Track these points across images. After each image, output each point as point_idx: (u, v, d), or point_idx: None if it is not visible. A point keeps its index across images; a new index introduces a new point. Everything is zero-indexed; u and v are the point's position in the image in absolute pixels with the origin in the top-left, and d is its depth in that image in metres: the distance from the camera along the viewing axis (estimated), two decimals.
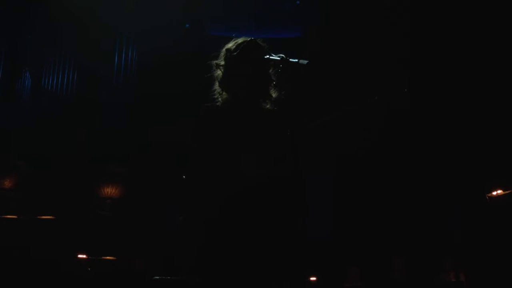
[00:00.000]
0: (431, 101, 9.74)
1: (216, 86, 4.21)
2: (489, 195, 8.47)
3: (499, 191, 8.40)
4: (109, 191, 11.39)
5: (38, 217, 9.11)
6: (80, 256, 9.04)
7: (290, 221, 3.85)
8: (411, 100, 9.61)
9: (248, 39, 4.20)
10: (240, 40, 4.21)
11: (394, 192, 10.30)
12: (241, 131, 3.93)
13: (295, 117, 3.72)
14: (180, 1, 11.57)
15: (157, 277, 4.11)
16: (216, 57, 4.27)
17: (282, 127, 3.94)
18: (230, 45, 4.20)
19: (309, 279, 9.43)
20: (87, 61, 12.26)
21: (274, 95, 4.14)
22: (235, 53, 4.14)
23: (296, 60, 3.63)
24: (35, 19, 12.44)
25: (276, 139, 3.91)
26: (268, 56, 3.80)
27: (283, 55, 3.70)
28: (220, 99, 4.16)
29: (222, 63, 4.18)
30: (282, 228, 3.85)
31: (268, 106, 4.13)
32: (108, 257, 9.27)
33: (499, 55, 9.47)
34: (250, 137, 3.90)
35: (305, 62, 3.59)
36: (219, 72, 4.21)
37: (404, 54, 9.94)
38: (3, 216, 9.26)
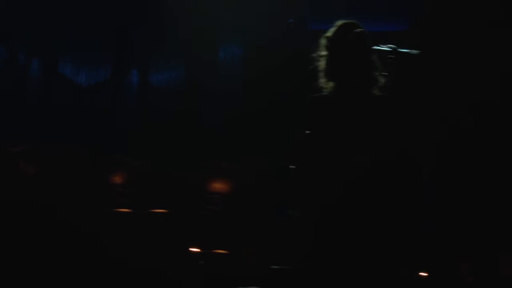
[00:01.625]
0: None
1: (321, 78, 4.21)
2: None
3: None
4: (219, 186, 11.49)
5: (151, 210, 9.31)
6: (192, 249, 9.19)
7: (408, 214, 3.82)
8: None
9: (343, 22, 4.19)
10: (337, 25, 4.20)
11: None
12: (353, 120, 3.92)
13: (407, 104, 3.69)
14: None
15: (275, 267, 4.15)
16: (317, 49, 4.28)
17: (395, 113, 3.92)
18: (329, 33, 4.19)
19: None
20: (193, 58, 12.44)
21: (381, 81, 4.11)
22: (334, 39, 4.14)
23: (407, 50, 3.60)
24: (142, 15, 12.69)
25: (390, 128, 3.88)
26: (377, 47, 3.79)
27: (393, 46, 3.68)
28: (326, 90, 4.16)
29: (324, 52, 4.17)
30: (400, 220, 3.82)
31: (376, 92, 4.10)
32: (220, 251, 9.39)
33: None
34: (363, 129, 3.88)
35: (415, 52, 3.57)
36: (322, 63, 4.20)
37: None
38: (117, 210, 9.50)
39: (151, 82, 12.70)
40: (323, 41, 4.24)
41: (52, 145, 11.43)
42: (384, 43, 3.84)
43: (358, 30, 4.13)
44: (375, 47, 3.84)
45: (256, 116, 11.11)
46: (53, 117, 12.46)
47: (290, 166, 3.90)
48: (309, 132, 3.93)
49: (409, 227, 3.83)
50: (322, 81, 4.20)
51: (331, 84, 4.13)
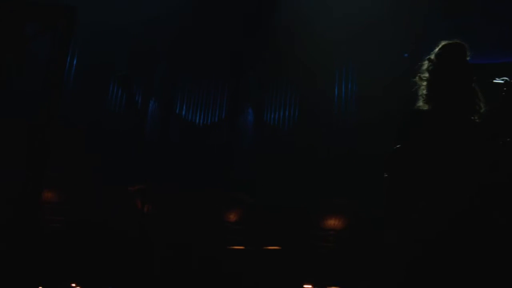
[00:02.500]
0: None
1: (420, 102, 4.18)
2: None
3: None
4: (333, 223, 11.47)
5: (265, 247, 9.36)
6: (305, 286, 9.19)
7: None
8: None
9: (447, 43, 4.15)
10: (440, 47, 4.16)
11: None
12: (450, 146, 3.87)
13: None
14: (398, 33, 11.56)
15: None
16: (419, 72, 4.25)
17: (492, 136, 3.86)
18: (432, 55, 4.15)
19: None
20: (308, 95, 12.55)
21: (482, 108, 4.05)
22: (437, 61, 4.10)
23: None
24: (257, 56, 12.90)
25: (488, 155, 3.83)
26: (492, 80, 3.76)
27: (507, 78, 3.65)
28: (424, 110, 4.13)
29: (426, 75, 4.14)
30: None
31: (476, 119, 4.05)
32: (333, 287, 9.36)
33: None
34: (461, 158, 3.83)
35: None
36: (423, 86, 4.17)
37: None
38: (231, 247, 9.60)
39: (266, 120, 12.85)
40: (425, 63, 4.21)
41: (168, 183, 11.66)
42: (499, 76, 3.80)
43: (461, 50, 4.10)
44: (490, 80, 3.81)
45: (371, 153, 11.09)
46: (170, 156, 12.78)
47: (385, 175, 3.88)
48: (400, 146, 3.91)
49: None
50: (420, 104, 4.16)
51: (428, 106, 4.09)
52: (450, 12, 11.21)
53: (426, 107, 4.11)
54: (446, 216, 3.66)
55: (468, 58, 4.10)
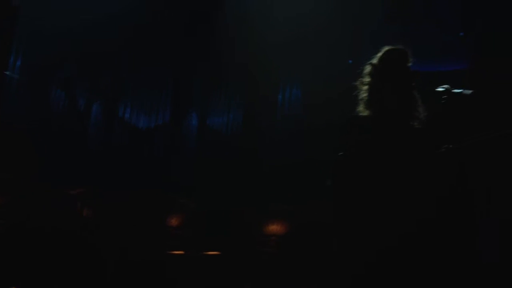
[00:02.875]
0: None
1: (360, 107, 4.16)
2: None
3: None
4: (274, 228, 11.46)
5: (204, 253, 9.33)
6: None
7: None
8: None
9: (389, 48, 4.14)
10: (382, 51, 4.15)
11: None
12: (391, 153, 3.87)
13: (449, 136, 3.65)
14: (342, 39, 11.60)
15: None
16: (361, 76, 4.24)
17: (433, 142, 3.87)
18: (374, 60, 4.14)
19: None
20: (251, 100, 12.55)
21: (422, 114, 4.06)
22: (378, 66, 4.09)
23: (460, 90, 3.57)
24: (202, 62, 12.85)
25: (430, 163, 3.83)
26: (432, 87, 3.76)
27: (447, 86, 3.65)
28: (363, 116, 4.12)
29: (367, 79, 4.13)
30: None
31: (416, 124, 4.05)
32: None
33: None
34: (401, 166, 3.83)
35: (469, 92, 3.54)
36: (363, 90, 4.16)
37: None
38: (171, 252, 9.55)
39: (209, 124, 12.81)
40: (367, 68, 4.19)
41: (110, 187, 11.56)
42: (440, 83, 3.81)
43: (403, 56, 4.10)
44: (432, 89, 3.81)
45: (315, 158, 11.11)
46: (113, 160, 12.68)
47: (328, 184, 3.87)
48: (342, 154, 3.89)
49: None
50: (360, 109, 4.15)
51: (368, 111, 4.08)
52: (395, 19, 11.30)
53: (366, 112, 4.09)
54: (391, 227, 3.66)
55: (409, 64, 4.10)
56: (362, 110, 4.14)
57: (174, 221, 11.56)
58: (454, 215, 3.62)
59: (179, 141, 12.83)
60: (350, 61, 11.89)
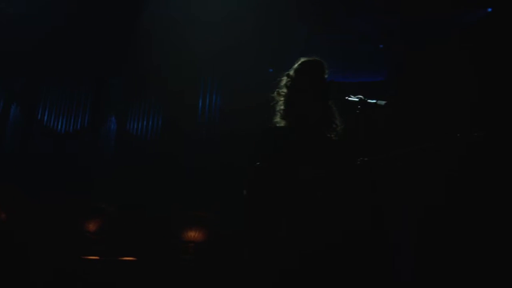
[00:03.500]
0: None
1: (277, 117, 4.19)
2: None
3: None
4: (193, 235, 11.41)
5: (120, 258, 9.24)
6: None
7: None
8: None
9: (305, 60, 4.19)
10: (298, 63, 4.19)
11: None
12: (304, 150, 3.91)
13: (365, 150, 3.69)
14: (264, 47, 11.63)
15: None
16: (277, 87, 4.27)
17: (349, 154, 3.91)
18: (290, 71, 4.18)
19: None
20: (171, 105, 12.49)
21: (339, 125, 4.11)
22: (295, 77, 4.13)
23: (375, 101, 3.62)
24: (120, 64, 12.73)
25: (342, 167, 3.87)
26: (347, 97, 3.80)
27: (361, 96, 3.70)
28: (281, 125, 4.14)
29: (284, 90, 4.16)
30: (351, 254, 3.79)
31: (333, 136, 4.10)
32: None
33: None
34: (312, 156, 3.87)
35: (382, 103, 3.59)
36: (280, 101, 4.18)
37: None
38: (85, 257, 9.43)
39: (129, 129, 12.68)
40: (284, 80, 4.21)
41: (26, 191, 11.37)
42: (360, 93, 3.85)
43: (319, 67, 4.14)
44: (346, 98, 3.85)
45: (234, 163, 11.10)
46: (30, 163, 12.47)
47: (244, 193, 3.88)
48: (257, 164, 3.91)
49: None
50: (277, 119, 4.17)
51: (285, 122, 4.10)
52: (317, 30, 11.38)
53: (282, 123, 4.12)
54: (301, 239, 3.68)
55: (326, 76, 4.14)
56: (278, 121, 4.17)
57: (91, 226, 11.39)
58: (365, 228, 3.67)
59: (98, 145, 12.66)
60: (271, 70, 11.94)
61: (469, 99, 9.78)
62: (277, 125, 4.18)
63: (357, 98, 3.74)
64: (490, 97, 9.71)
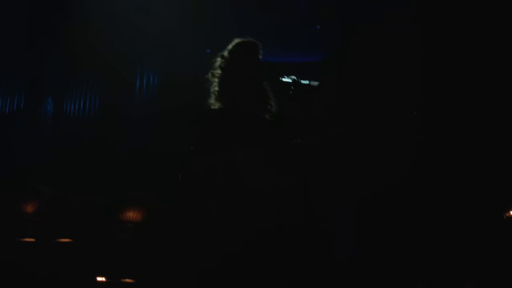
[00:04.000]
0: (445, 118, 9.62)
1: (212, 99, 4.19)
2: (507, 214, 8.33)
3: None
4: (131, 215, 11.37)
5: (56, 240, 9.17)
6: (99, 279, 9.07)
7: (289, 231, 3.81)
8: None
9: (240, 41, 4.20)
10: (233, 44, 4.20)
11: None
12: (239, 132, 3.92)
13: (300, 130, 3.72)
14: (201, 28, 11.59)
15: None
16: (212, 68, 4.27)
17: (283, 136, 3.94)
18: (225, 52, 4.19)
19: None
20: (109, 85, 12.39)
21: (274, 106, 4.13)
22: (229, 58, 4.14)
23: (308, 81, 3.64)
24: (56, 44, 12.56)
25: (276, 146, 3.90)
26: (280, 78, 3.82)
27: (294, 77, 3.71)
28: (215, 107, 4.15)
29: (218, 71, 4.16)
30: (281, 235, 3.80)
31: (267, 116, 4.12)
32: (127, 280, 9.29)
33: None
34: (247, 138, 3.89)
35: (316, 83, 3.61)
36: (215, 83, 4.19)
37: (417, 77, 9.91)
38: (21, 240, 9.34)
39: (66, 110, 12.55)
40: (218, 61, 4.22)
41: None
42: (295, 74, 3.86)
43: (252, 48, 4.15)
44: (280, 78, 3.85)
45: (171, 144, 11.08)
46: None
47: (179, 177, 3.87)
48: (194, 144, 3.91)
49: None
50: (212, 101, 4.17)
51: (220, 104, 4.10)
52: (256, 10, 11.37)
53: (217, 105, 4.12)
54: (237, 223, 3.70)
55: (260, 56, 4.15)
56: (213, 103, 4.17)
57: (29, 208, 11.28)
58: (298, 212, 3.69)
59: (35, 127, 12.51)
60: (208, 51, 11.93)
61: (406, 80, 9.94)
62: (212, 107, 4.18)
63: (290, 78, 3.73)
64: (428, 79, 9.88)
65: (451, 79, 9.86)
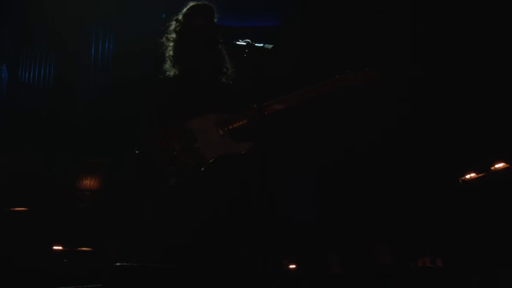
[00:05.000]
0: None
1: (167, 64, 4.13)
2: (463, 178, 8.42)
3: (473, 175, 8.35)
4: (88, 183, 11.30)
5: (11, 209, 9.07)
6: (55, 247, 9.02)
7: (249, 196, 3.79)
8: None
9: (194, 4, 4.13)
10: (188, 7, 4.13)
11: (374, 178, 10.24)
12: (195, 98, 3.89)
13: (256, 93, 3.69)
14: None
15: (118, 264, 3.99)
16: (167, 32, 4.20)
17: (240, 100, 3.91)
18: (180, 15, 4.12)
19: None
20: (64, 52, 12.23)
21: (230, 70, 4.09)
22: (184, 22, 4.07)
23: (262, 44, 3.59)
24: (10, 12, 12.34)
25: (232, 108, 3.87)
26: (234, 41, 3.76)
27: (248, 40, 3.66)
28: (171, 74, 4.09)
29: (173, 35, 4.10)
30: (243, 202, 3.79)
31: (224, 80, 4.08)
32: (84, 248, 9.25)
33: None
34: (204, 104, 3.86)
35: (270, 46, 3.56)
36: (170, 47, 4.13)
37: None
38: None
39: (21, 78, 12.38)
40: (173, 25, 4.15)
41: None
42: (253, 38, 3.81)
43: (206, 11, 4.09)
44: (234, 42, 3.80)
45: (126, 112, 10.99)
46: None
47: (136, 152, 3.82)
48: (149, 111, 3.86)
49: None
50: (167, 66, 4.11)
51: (176, 69, 4.05)
52: None
53: (172, 71, 4.07)
54: (196, 195, 3.67)
55: (215, 20, 4.09)
56: (168, 68, 4.11)
57: None
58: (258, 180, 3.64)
59: None
60: (164, 16, 11.81)
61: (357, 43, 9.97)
62: (167, 72, 4.12)
63: (245, 42, 3.67)
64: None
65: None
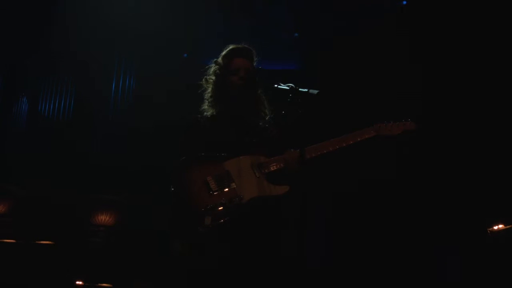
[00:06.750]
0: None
1: (205, 104, 4.15)
2: (491, 229, 8.32)
3: (501, 226, 8.26)
4: (103, 218, 11.27)
5: (37, 242, 9.05)
6: (78, 282, 8.99)
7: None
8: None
9: (234, 47, 4.17)
10: (227, 50, 4.16)
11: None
12: (232, 139, 3.90)
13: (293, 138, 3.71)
14: (178, 32, 11.53)
15: None
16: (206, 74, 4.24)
17: (279, 144, 3.92)
18: (219, 58, 4.15)
19: None
20: (85, 88, 12.27)
21: (268, 113, 4.11)
22: (224, 65, 4.10)
23: (306, 90, 3.62)
24: (34, 45, 12.41)
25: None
26: (276, 85, 3.79)
27: (292, 84, 3.68)
28: (208, 114, 4.11)
29: (212, 77, 4.13)
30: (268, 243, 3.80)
31: (260, 124, 4.09)
32: (104, 284, 9.21)
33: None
34: (241, 146, 3.87)
35: (315, 92, 3.59)
36: (209, 89, 4.16)
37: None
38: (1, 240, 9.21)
39: (41, 110, 12.41)
40: (213, 67, 4.18)
41: None
42: (281, 82, 3.83)
43: (245, 52, 4.13)
44: (275, 85, 3.81)
45: (146, 149, 11.01)
46: None
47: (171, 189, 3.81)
48: (183, 158, 3.86)
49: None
50: (205, 106, 4.14)
51: (214, 110, 4.08)
52: (233, 16, 11.32)
53: (210, 111, 4.09)
54: (231, 238, 3.67)
55: (254, 63, 4.13)
56: (206, 109, 4.14)
57: (1, 208, 11.13)
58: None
59: (10, 125, 12.35)
60: (186, 55, 11.89)
61: (386, 88, 9.97)
62: (205, 113, 4.15)
63: (288, 86, 3.70)
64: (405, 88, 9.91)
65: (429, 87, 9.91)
